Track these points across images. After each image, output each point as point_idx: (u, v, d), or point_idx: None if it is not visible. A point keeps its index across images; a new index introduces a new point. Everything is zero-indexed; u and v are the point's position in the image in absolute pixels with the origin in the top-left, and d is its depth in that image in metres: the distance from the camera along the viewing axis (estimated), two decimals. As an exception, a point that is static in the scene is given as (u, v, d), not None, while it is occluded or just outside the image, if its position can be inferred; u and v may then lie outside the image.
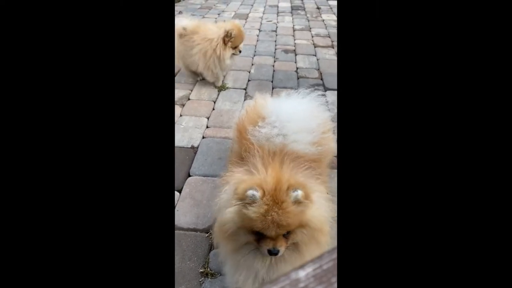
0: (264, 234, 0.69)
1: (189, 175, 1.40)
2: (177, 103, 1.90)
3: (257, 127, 0.88)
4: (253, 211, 0.67)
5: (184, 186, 1.35)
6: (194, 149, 1.56)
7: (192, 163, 1.47)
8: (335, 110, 1.05)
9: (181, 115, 1.80)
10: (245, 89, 2.08)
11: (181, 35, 1.91)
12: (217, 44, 1.84)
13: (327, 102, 1.02)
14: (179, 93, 1.99)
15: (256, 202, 0.67)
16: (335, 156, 1.04)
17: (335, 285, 0.24)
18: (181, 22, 1.96)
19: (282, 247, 0.70)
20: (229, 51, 1.88)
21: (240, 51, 1.95)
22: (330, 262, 0.25)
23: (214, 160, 1.49)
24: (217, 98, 1.97)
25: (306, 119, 0.89)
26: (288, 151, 0.81)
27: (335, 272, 0.24)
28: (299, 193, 0.67)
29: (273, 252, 0.70)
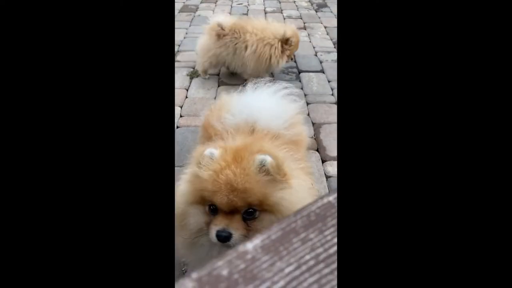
0: (217, 208, 0.54)
1: (165, 166, 1.38)
2: (148, 93, 1.84)
3: (223, 117, 0.83)
4: (206, 170, 0.55)
5: (160, 177, 1.33)
6: (168, 139, 1.53)
7: (167, 153, 1.44)
8: (302, 101, 1.04)
9: (153, 106, 1.74)
10: (218, 75, 2.04)
11: (219, 35, 1.72)
12: (275, 49, 1.68)
13: (291, 93, 1.01)
14: (149, 83, 1.92)
15: (212, 163, 0.55)
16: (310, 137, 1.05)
17: (283, 253, 0.24)
18: (216, 18, 1.76)
19: (237, 232, 0.53)
20: (284, 59, 1.74)
21: (292, 59, 1.83)
22: (279, 232, 0.25)
23: (190, 150, 1.47)
24: (189, 85, 1.92)
25: (273, 107, 0.86)
26: (264, 131, 0.76)
27: (283, 241, 0.24)
28: (268, 158, 0.54)
29: (222, 236, 0.53)
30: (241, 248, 0.23)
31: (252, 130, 0.78)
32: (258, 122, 0.79)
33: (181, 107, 1.75)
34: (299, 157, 0.74)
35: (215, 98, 1.82)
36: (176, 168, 1.39)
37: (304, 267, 0.22)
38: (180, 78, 1.99)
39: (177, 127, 1.61)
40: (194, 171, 0.58)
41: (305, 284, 0.22)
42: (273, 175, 0.56)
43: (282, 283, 0.22)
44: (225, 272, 0.22)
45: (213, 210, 0.56)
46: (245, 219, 0.56)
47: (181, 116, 1.68)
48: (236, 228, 0.54)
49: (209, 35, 1.78)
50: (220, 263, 0.23)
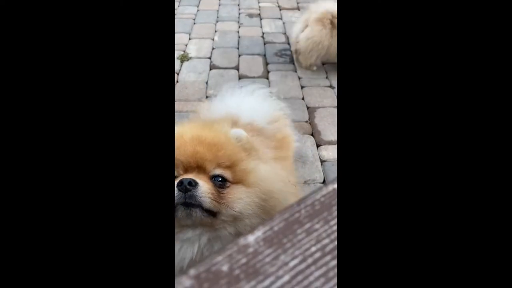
0: (183, 166, 0.47)
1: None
2: (137, 77, 1.78)
3: (205, 112, 0.84)
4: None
5: (153, 165, 1.30)
6: (160, 126, 1.49)
7: (159, 140, 1.41)
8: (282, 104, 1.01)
9: (142, 91, 1.69)
10: (209, 58, 1.98)
11: (334, 24, 1.56)
12: None
13: (271, 93, 1.01)
14: (138, 66, 1.86)
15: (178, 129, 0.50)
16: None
17: (287, 245, 0.22)
18: (324, 5, 1.61)
19: (205, 185, 0.44)
20: None
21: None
22: (282, 223, 0.23)
23: (182, 135, 1.45)
24: (180, 69, 1.86)
25: (251, 102, 0.86)
26: (244, 123, 0.72)
27: (287, 233, 0.22)
28: (243, 133, 0.51)
29: (182, 182, 0.43)
30: (241, 241, 0.22)
31: (234, 124, 0.74)
32: (238, 117, 0.76)
33: (172, 92, 1.70)
34: (282, 155, 0.70)
35: (206, 82, 1.78)
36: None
37: (310, 260, 0.21)
38: (170, 61, 1.92)
39: (169, 112, 1.57)
40: None
41: (312, 278, 0.20)
42: (247, 147, 0.51)
43: (287, 277, 0.20)
44: (225, 268, 0.20)
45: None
46: (214, 183, 0.48)
47: (172, 101, 1.64)
48: (202, 181, 0.45)
49: (321, 26, 1.62)
50: (219, 258, 0.21)
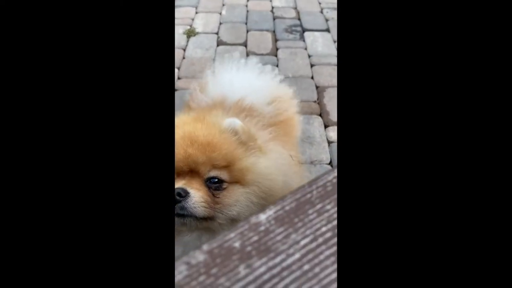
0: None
1: (164, 130, 1.36)
2: (143, 53, 1.75)
3: (198, 98, 0.72)
4: None
5: (160, 142, 1.31)
6: (166, 103, 1.48)
7: (166, 117, 1.41)
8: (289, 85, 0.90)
9: (148, 67, 1.67)
10: (217, 33, 1.93)
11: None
12: None
13: (274, 71, 0.90)
14: (144, 41, 1.82)
15: None
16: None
17: (299, 224, 0.22)
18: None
19: (196, 191, 0.41)
20: None
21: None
22: (293, 203, 0.23)
23: (189, 112, 1.44)
24: (186, 45, 1.82)
25: (250, 80, 0.77)
26: (240, 107, 0.64)
27: (298, 213, 0.23)
28: (237, 121, 0.47)
29: (177, 193, 0.41)
30: (253, 219, 0.22)
31: (229, 108, 0.67)
32: (232, 98, 0.68)
33: (178, 68, 1.68)
34: (284, 140, 0.62)
35: (214, 59, 1.74)
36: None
37: (320, 239, 0.21)
38: (176, 36, 1.88)
39: (176, 90, 1.56)
40: None
41: (322, 257, 0.21)
42: (244, 139, 0.46)
43: (297, 255, 0.21)
44: (237, 244, 0.21)
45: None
46: (209, 188, 0.45)
47: (178, 78, 1.62)
48: (196, 188, 0.42)
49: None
50: (232, 235, 0.21)
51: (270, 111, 0.67)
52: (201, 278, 0.19)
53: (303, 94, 1.44)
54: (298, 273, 0.19)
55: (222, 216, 0.44)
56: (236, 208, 0.44)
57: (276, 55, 1.78)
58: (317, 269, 0.20)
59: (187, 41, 1.84)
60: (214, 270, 0.19)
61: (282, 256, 0.20)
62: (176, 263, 0.20)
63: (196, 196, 0.41)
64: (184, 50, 1.78)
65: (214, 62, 1.00)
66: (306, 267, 0.20)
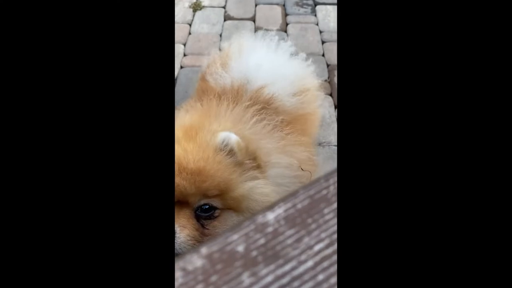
0: None
1: (170, 109, 1.33)
2: (147, 28, 1.68)
3: (216, 71, 0.65)
4: None
5: (166, 121, 1.29)
6: (172, 81, 1.44)
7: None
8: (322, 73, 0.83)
9: (153, 43, 1.61)
10: (224, 7, 1.83)
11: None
12: None
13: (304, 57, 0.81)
14: (148, 16, 1.75)
15: None
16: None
17: (312, 226, 0.19)
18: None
19: (183, 230, 0.37)
20: None
21: None
22: (306, 200, 0.20)
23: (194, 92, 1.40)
24: (192, 20, 1.75)
25: (281, 64, 0.68)
26: (257, 103, 0.57)
27: (312, 212, 0.19)
28: (233, 136, 0.40)
29: None
30: (260, 219, 0.19)
31: (242, 94, 0.60)
32: (255, 83, 0.62)
33: (184, 44, 1.62)
34: (299, 140, 0.55)
35: (220, 34, 1.67)
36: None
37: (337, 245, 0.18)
38: (182, 10, 1.80)
39: (181, 67, 1.51)
40: None
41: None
42: (240, 159, 0.40)
43: (310, 263, 0.17)
44: (241, 248, 0.18)
45: None
46: (199, 218, 0.40)
47: (184, 55, 1.57)
48: (181, 226, 0.37)
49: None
50: (235, 237, 0.18)
51: (292, 103, 0.60)
52: (199, 286, 0.16)
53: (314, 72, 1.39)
54: (311, 283, 0.17)
55: None
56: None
57: (286, 31, 1.69)
58: (333, 280, 0.17)
59: (193, 16, 1.76)
60: (213, 278, 0.17)
61: (293, 263, 0.17)
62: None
63: (182, 236, 0.35)
64: (190, 25, 1.70)
65: (243, 37, 0.86)
66: (320, 277, 0.17)
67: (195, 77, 1.47)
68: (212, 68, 0.72)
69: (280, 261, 0.17)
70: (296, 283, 0.17)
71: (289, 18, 1.75)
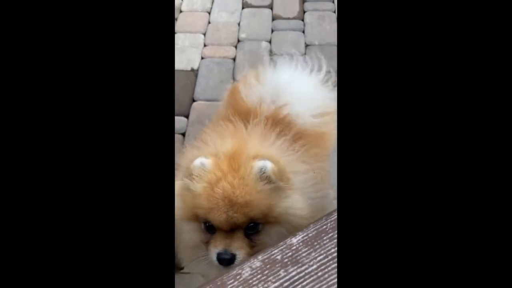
0: (214, 226, 0.50)
1: (194, 100, 1.47)
2: (169, 16, 1.77)
3: (250, 83, 0.75)
4: (199, 182, 0.49)
5: (191, 112, 1.44)
6: (194, 72, 1.57)
7: (194, 87, 1.51)
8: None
9: (175, 32, 1.71)
10: (241, -7, 1.87)
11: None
12: None
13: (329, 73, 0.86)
14: (168, 3, 1.82)
15: (204, 173, 0.50)
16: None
17: (317, 246, 0.37)
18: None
19: (241, 251, 0.48)
20: None
21: None
22: (314, 231, 0.37)
23: (216, 83, 1.52)
24: (211, 8, 1.81)
25: (308, 87, 0.78)
26: (279, 119, 0.67)
27: (317, 238, 0.37)
28: (268, 164, 0.49)
29: (224, 258, 0.48)
30: (288, 241, 0.37)
31: (269, 110, 0.69)
32: (280, 98, 0.72)
33: (204, 34, 1.70)
34: (313, 153, 0.65)
35: (239, 23, 1.74)
36: (203, 102, 1.47)
37: (330, 257, 0.36)
38: (201, -3, 1.86)
39: (202, 58, 1.62)
40: (185, 183, 0.51)
41: (329, 268, 0.35)
42: (276, 182, 0.51)
43: (314, 266, 0.35)
44: (279, 257, 0.36)
45: (210, 227, 0.51)
46: (247, 235, 0.51)
47: (205, 46, 1.66)
48: (239, 248, 0.49)
49: None
50: (275, 251, 0.36)
51: (313, 123, 0.70)
52: (258, 276, 0.35)
53: (329, 64, 1.47)
54: (314, 277, 0.34)
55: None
56: (271, 242, 0.49)
57: (303, 19, 1.75)
58: (326, 275, 0.34)
59: (212, 3, 1.82)
60: (265, 272, 0.35)
61: (306, 266, 0.35)
62: (243, 266, 0.35)
63: (241, 256, 0.49)
64: (209, 13, 1.78)
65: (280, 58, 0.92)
66: (319, 273, 0.34)
67: (216, 68, 1.60)
68: (246, 81, 0.80)
69: (299, 265, 0.35)
70: (307, 277, 0.35)
71: (306, 5, 1.80)
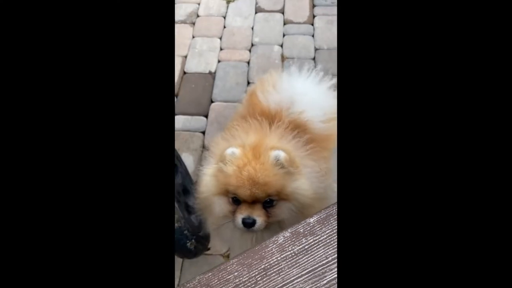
0: (240, 199, 0.67)
1: (212, 101, 1.64)
2: (187, 21, 1.93)
3: (267, 90, 0.90)
4: (230, 166, 0.66)
5: (210, 112, 1.61)
6: (212, 75, 1.73)
7: (212, 89, 1.67)
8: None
9: (193, 37, 1.87)
10: (254, -3, 2.01)
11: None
12: None
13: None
14: (187, 8, 1.98)
15: (234, 159, 0.66)
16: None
17: (326, 224, 0.53)
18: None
19: (260, 218, 0.66)
20: None
21: None
22: (324, 214, 0.54)
23: (232, 85, 1.68)
24: (226, 12, 1.95)
25: (319, 96, 0.92)
26: (296, 124, 0.82)
27: (327, 219, 0.53)
28: (281, 154, 0.66)
29: (247, 222, 0.66)
30: (308, 220, 0.54)
31: (285, 114, 0.84)
32: (295, 106, 0.86)
33: (220, 38, 1.85)
34: (320, 152, 0.81)
35: (252, 28, 1.88)
36: (220, 103, 1.63)
37: (334, 231, 0.53)
38: (216, 3, 2.00)
39: (219, 61, 1.77)
40: (219, 166, 0.69)
41: (334, 238, 0.52)
42: (287, 168, 0.68)
43: (324, 236, 0.52)
44: (301, 230, 0.53)
45: (236, 200, 0.69)
46: (265, 207, 0.69)
47: (221, 49, 1.81)
48: (259, 215, 0.67)
49: None
50: (299, 226, 0.53)
51: (321, 127, 0.86)
52: (288, 241, 0.52)
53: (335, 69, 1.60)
54: (324, 243, 0.51)
55: (273, 222, 0.73)
56: (283, 216, 0.72)
57: (312, 24, 1.88)
58: (332, 243, 0.51)
59: (227, 8, 1.96)
60: (293, 239, 0.52)
61: (318, 236, 0.52)
62: (278, 235, 0.52)
63: (260, 222, 0.68)
64: (225, 18, 1.92)
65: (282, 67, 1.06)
66: (327, 241, 0.52)
67: (232, 71, 1.75)
68: (264, 86, 0.94)
69: (315, 235, 0.52)
70: (320, 243, 0.52)
71: (316, 10, 1.93)
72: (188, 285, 0.48)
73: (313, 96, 0.93)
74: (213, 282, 0.48)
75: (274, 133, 0.78)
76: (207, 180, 0.73)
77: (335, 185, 0.84)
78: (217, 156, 0.72)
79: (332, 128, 0.88)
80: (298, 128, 0.83)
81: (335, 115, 0.90)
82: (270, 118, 0.84)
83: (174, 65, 1.82)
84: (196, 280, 0.49)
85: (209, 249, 1.14)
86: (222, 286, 0.48)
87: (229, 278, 0.49)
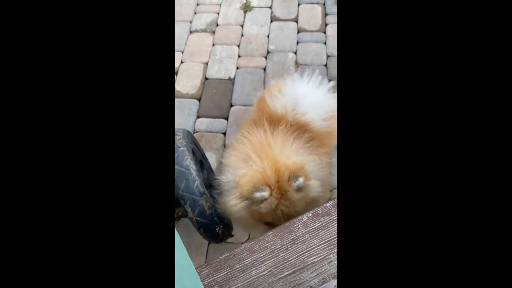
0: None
1: (232, 105, 1.83)
2: (207, 30, 2.12)
3: (274, 94, 1.06)
4: (264, 208, 0.79)
5: (230, 115, 1.80)
6: (231, 81, 1.92)
7: (232, 94, 1.87)
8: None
9: (213, 44, 2.06)
10: (270, 7, 2.20)
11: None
12: None
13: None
14: (207, 18, 2.17)
15: (265, 201, 0.79)
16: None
17: (321, 218, 0.72)
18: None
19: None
20: None
21: None
22: (321, 210, 0.73)
23: (250, 91, 1.87)
24: (243, 21, 2.14)
25: (320, 97, 1.07)
26: (298, 125, 0.95)
27: (323, 214, 0.72)
28: (301, 180, 0.79)
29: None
30: (325, 204, 0.72)
31: (290, 116, 0.98)
32: (299, 107, 0.99)
33: (238, 46, 2.04)
34: (321, 148, 0.95)
35: (268, 36, 2.07)
36: (240, 107, 1.81)
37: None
38: (234, 12, 2.19)
39: (237, 68, 1.96)
40: (251, 207, 0.82)
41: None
42: (305, 185, 0.83)
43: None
44: (320, 211, 0.72)
45: (269, 223, 0.87)
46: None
47: (239, 57, 2.00)
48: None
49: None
50: (318, 208, 0.72)
51: (322, 125, 1.01)
52: (310, 220, 0.71)
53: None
54: (336, 222, 0.70)
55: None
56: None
57: (325, 32, 2.06)
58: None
59: (244, 17, 2.16)
60: (314, 218, 0.71)
61: (333, 216, 0.70)
62: (302, 215, 0.71)
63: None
64: (242, 26, 2.11)
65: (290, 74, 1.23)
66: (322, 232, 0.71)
67: (249, 77, 1.94)
68: (271, 92, 1.10)
69: (330, 215, 0.70)
70: (334, 221, 0.71)
71: (328, 18, 2.10)
72: (237, 250, 0.68)
73: (314, 97, 1.06)
74: (255, 248, 0.68)
75: (278, 136, 0.91)
76: (240, 213, 0.85)
77: (335, 175, 1.00)
78: (243, 194, 0.82)
79: (332, 125, 1.02)
80: (302, 128, 0.97)
81: (335, 113, 1.03)
82: (277, 121, 0.97)
83: (174, 65, 1.94)
84: (243, 247, 0.68)
85: (232, 235, 1.32)
86: (262, 250, 0.67)
87: (267, 246, 0.68)
